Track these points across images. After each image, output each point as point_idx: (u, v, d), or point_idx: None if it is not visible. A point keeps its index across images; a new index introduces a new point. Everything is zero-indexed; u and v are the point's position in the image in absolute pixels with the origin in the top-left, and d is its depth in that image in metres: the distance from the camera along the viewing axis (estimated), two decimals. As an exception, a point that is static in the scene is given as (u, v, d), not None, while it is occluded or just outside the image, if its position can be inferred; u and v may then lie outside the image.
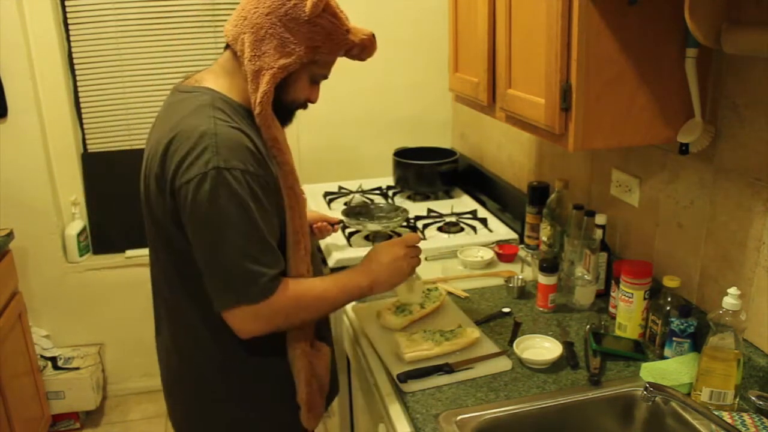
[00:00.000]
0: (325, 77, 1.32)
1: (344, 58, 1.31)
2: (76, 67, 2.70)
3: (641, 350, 1.45)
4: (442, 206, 2.41)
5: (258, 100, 1.21)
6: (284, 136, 1.28)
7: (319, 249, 2.10)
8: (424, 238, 2.14)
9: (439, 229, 2.23)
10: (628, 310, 1.50)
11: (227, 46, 1.28)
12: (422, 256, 2.00)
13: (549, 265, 1.63)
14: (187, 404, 1.39)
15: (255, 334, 1.22)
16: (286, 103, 1.28)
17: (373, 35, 1.30)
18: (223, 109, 1.21)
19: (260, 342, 1.25)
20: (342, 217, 2.11)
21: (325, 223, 1.82)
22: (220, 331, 1.24)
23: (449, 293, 1.77)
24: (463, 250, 2.00)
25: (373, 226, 2.11)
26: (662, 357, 1.43)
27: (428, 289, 1.71)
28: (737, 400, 1.25)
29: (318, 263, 1.40)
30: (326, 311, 1.34)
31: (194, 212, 1.15)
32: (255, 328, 1.21)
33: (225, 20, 2.75)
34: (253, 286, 1.17)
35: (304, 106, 1.34)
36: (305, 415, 1.38)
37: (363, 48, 1.28)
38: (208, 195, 1.12)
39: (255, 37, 1.20)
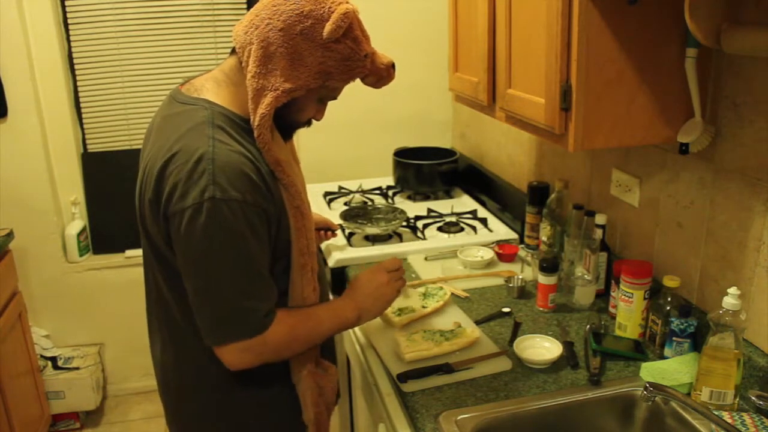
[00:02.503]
0: (335, 98, 1.25)
1: None
2: (76, 67, 2.70)
3: (641, 350, 1.45)
4: (442, 206, 2.41)
5: (256, 123, 1.14)
6: (287, 154, 1.22)
7: (319, 249, 2.10)
8: (425, 238, 2.14)
9: (439, 229, 2.23)
10: (628, 310, 1.49)
11: (233, 50, 1.21)
12: (422, 257, 2.01)
13: (549, 265, 1.63)
14: (191, 425, 1.35)
15: (245, 368, 1.18)
16: (288, 121, 1.22)
17: (393, 65, 1.22)
18: (223, 126, 1.14)
19: (266, 365, 1.23)
20: (340, 221, 2.11)
21: (327, 233, 1.82)
22: None
23: (449, 293, 1.78)
24: (463, 250, 2.00)
25: (371, 230, 2.11)
26: (662, 357, 1.43)
27: (430, 289, 1.72)
28: (737, 400, 1.25)
29: (324, 282, 1.38)
30: (316, 343, 1.29)
31: (187, 244, 1.10)
32: (245, 361, 1.17)
33: (225, 20, 2.76)
34: (246, 323, 1.14)
35: (308, 124, 1.28)
36: None
37: (379, 78, 1.22)
38: (203, 228, 1.07)
39: (263, 52, 1.12)
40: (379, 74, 1.21)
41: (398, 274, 1.38)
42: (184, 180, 1.08)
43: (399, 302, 1.50)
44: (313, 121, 1.27)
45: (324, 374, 1.35)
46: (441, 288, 1.72)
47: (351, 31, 1.14)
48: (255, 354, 1.17)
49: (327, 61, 1.13)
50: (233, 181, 1.08)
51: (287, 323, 1.19)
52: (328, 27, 1.10)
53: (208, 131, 1.12)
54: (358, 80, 1.24)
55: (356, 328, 1.64)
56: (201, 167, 1.08)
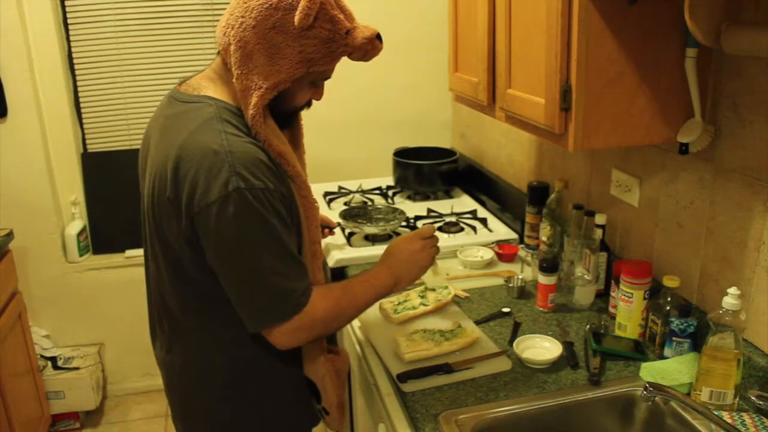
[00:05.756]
0: (328, 78, 1.25)
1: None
2: (76, 67, 2.70)
3: (641, 350, 1.45)
4: (442, 206, 2.41)
5: (249, 123, 1.15)
6: (287, 145, 1.23)
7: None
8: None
9: (439, 229, 2.22)
10: (628, 310, 1.49)
11: (219, 51, 1.22)
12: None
13: (549, 265, 1.63)
14: (198, 423, 1.35)
15: (297, 345, 1.21)
16: (286, 109, 1.23)
17: (377, 36, 1.20)
18: (230, 120, 1.15)
19: (274, 358, 1.24)
20: (339, 220, 2.11)
21: (324, 230, 1.83)
22: (233, 349, 1.24)
23: (449, 293, 1.78)
24: (463, 250, 2.00)
25: (370, 230, 2.11)
26: (662, 357, 1.43)
27: (435, 288, 1.72)
28: (737, 400, 1.25)
29: (327, 269, 1.39)
30: (359, 313, 1.32)
31: (218, 237, 1.11)
32: (299, 339, 1.20)
33: (225, 20, 2.75)
34: (286, 304, 1.15)
35: (308, 106, 1.28)
36: (338, 418, 1.38)
37: (365, 53, 1.20)
38: (233, 219, 1.08)
39: (242, 52, 1.12)
40: (364, 49, 1.19)
41: (432, 241, 1.39)
42: (205, 176, 1.08)
43: (426, 277, 1.50)
44: (314, 102, 1.28)
45: (338, 358, 1.38)
46: (446, 287, 1.72)
47: (325, 12, 1.11)
48: (306, 330, 1.19)
49: (306, 48, 1.12)
50: (253, 171, 1.10)
51: (332, 297, 1.22)
52: (297, 16, 1.09)
53: (217, 126, 1.13)
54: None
55: (356, 329, 1.64)
56: (219, 160, 1.08)
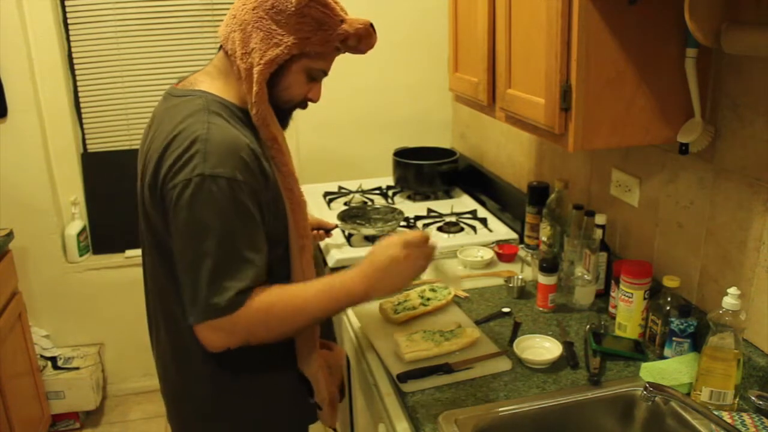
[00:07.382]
0: (325, 74, 1.27)
1: (346, 55, 1.26)
2: (76, 67, 2.70)
3: (641, 350, 1.45)
4: (442, 206, 2.41)
5: (253, 100, 1.18)
6: (283, 137, 1.25)
7: (318, 249, 2.10)
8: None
9: (439, 229, 2.23)
10: (628, 310, 1.50)
11: (221, 46, 1.27)
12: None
13: (549, 265, 1.63)
14: (192, 423, 1.34)
15: (221, 348, 1.14)
16: (282, 102, 1.24)
17: (371, 25, 1.23)
18: (218, 112, 1.17)
19: (269, 352, 1.23)
20: (338, 222, 2.11)
21: (320, 231, 1.83)
22: None
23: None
24: (463, 250, 2.00)
25: (367, 231, 2.11)
26: (662, 357, 1.43)
27: (435, 288, 1.73)
28: (737, 400, 1.25)
29: (320, 264, 1.39)
30: (307, 323, 1.21)
31: (174, 219, 1.11)
32: (220, 341, 1.13)
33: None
34: (217, 301, 1.09)
35: (303, 105, 1.29)
36: (328, 413, 1.38)
37: (359, 38, 1.22)
38: (188, 202, 1.09)
39: (243, 34, 1.18)
40: (358, 35, 1.22)
41: (423, 250, 1.22)
42: (178, 160, 1.11)
43: (444, 279, 1.38)
44: (311, 104, 1.29)
45: (330, 353, 1.37)
46: (446, 287, 1.72)
47: None
48: (227, 333, 1.12)
49: (303, 27, 1.17)
50: (224, 160, 1.11)
51: (263, 301, 1.12)
52: None
53: (204, 117, 1.15)
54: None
55: (356, 329, 1.64)
56: (194, 147, 1.11)
